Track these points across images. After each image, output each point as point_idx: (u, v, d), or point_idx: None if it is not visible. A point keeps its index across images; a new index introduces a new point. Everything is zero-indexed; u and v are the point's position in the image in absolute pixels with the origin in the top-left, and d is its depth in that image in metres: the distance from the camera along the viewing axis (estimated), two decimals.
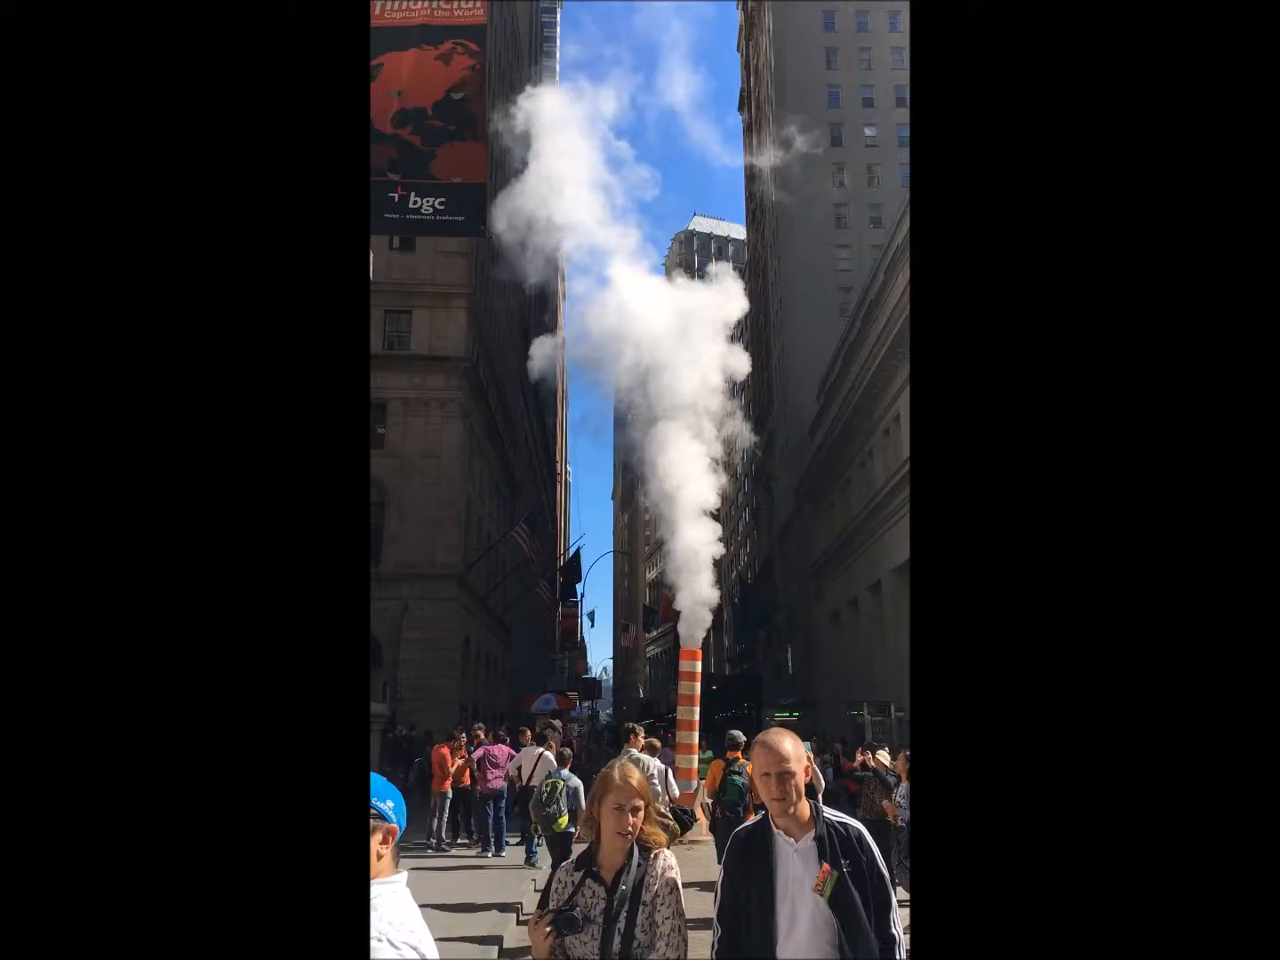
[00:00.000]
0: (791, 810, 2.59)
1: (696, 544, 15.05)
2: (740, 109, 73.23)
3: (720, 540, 16.39)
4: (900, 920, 2.58)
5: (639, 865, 2.66)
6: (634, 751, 8.61)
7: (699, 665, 14.44)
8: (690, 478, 14.85)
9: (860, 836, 2.59)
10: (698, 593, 14.90)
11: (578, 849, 2.98)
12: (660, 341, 14.77)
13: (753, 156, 64.77)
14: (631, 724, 10.29)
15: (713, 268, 16.75)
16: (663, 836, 2.77)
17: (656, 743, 9.68)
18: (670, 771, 9.07)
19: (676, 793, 8.90)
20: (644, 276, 15.85)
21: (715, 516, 16.01)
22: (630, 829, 2.67)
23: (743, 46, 70.75)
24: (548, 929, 2.54)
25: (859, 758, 11.81)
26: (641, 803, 2.69)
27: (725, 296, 15.57)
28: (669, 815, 8.43)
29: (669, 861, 2.72)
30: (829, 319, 44.16)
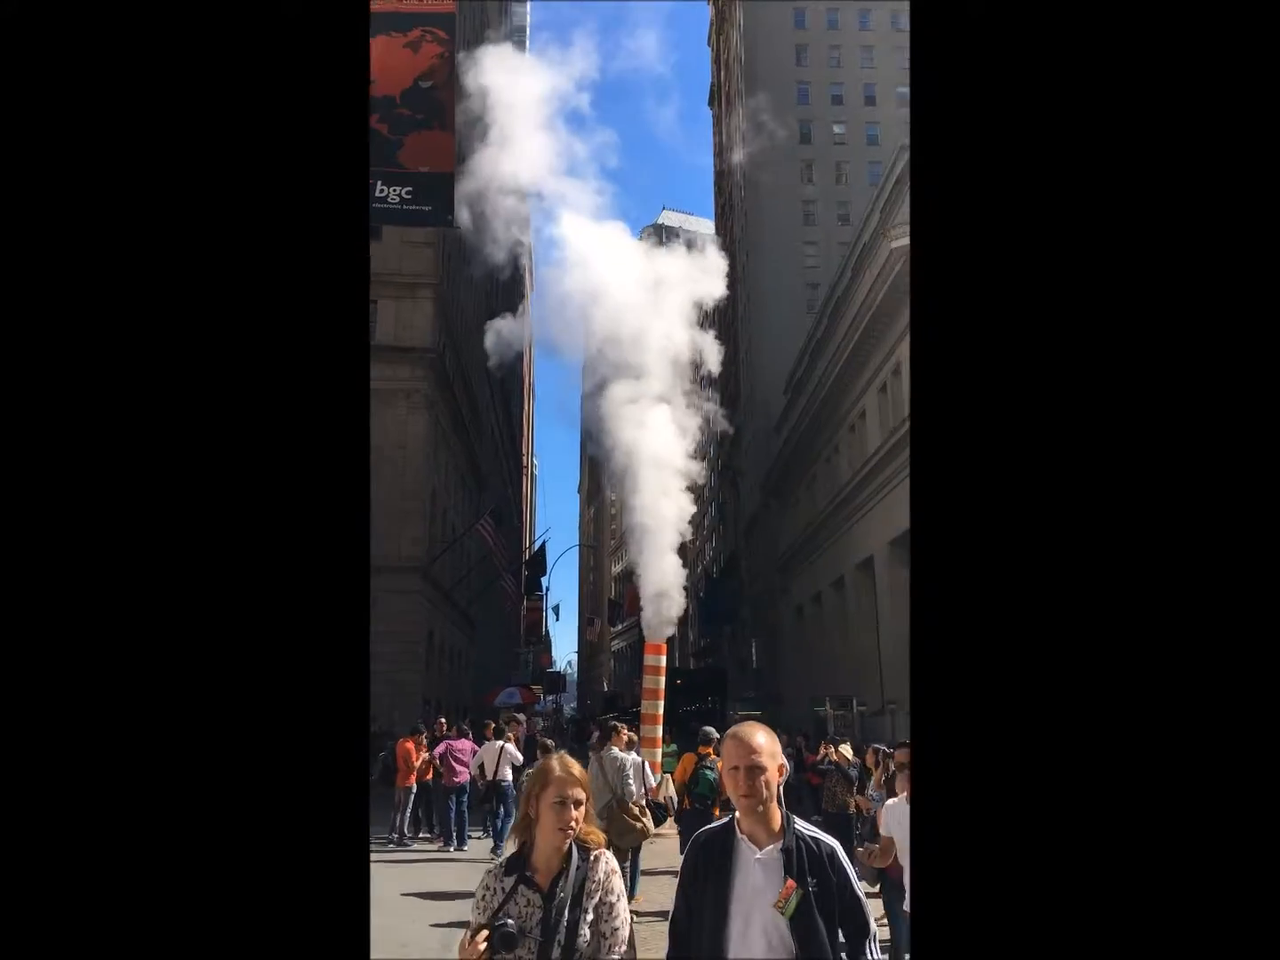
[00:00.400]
0: (760, 810, 2.39)
1: (661, 518, 13.78)
2: (710, 104, 73.32)
3: (691, 522, 15.45)
4: (877, 947, 2.37)
5: (579, 868, 2.41)
6: (615, 750, 8.51)
7: (664, 659, 14.39)
8: (656, 445, 13.68)
9: (833, 855, 2.37)
10: (663, 577, 13.82)
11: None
12: (630, 297, 13.68)
13: (722, 150, 64.88)
14: (615, 722, 10.22)
15: (696, 229, 15.86)
16: (601, 836, 2.54)
17: (634, 737, 9.68)
18: (646, 765, 9.02)
19: (653, 784, 8.86)
20: (615, 236, 14.65)
21: (690, 490, 14.46)
22: (573, 825, 2.40)
23: (713, 41, 70.79)
24: (482, 947, 2.23)
25: (822, 751, 11.94)
26: (584, 795, 2.44)
27: (704, 272, 14.57)
28: (645, 810, 8.41)
29: (611, 865, 2.48)
30: (796, 315, 44.44)
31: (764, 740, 2.44)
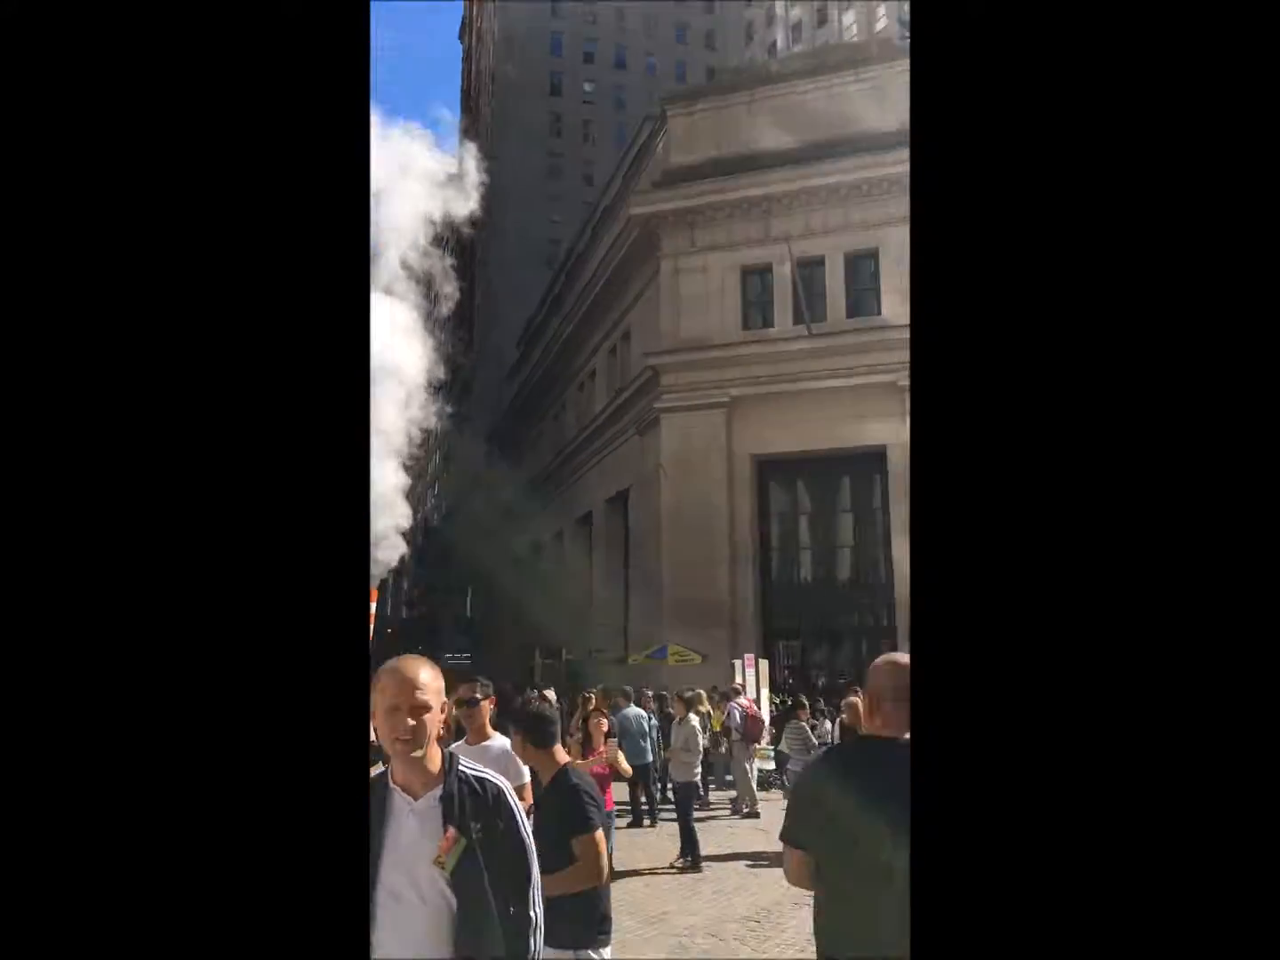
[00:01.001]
0: (418, 755, 2.06)
1: (379, 413, 12.43)
2: (460, 37, 70.70)
3: (416, 461, 14.52)
4: (540, 896, 2.16)
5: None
6: None
7: (374, 606, 14.10)
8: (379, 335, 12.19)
9: (499, 795, 2.12)
10: (380, 479, 12.54)
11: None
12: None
13: (470, 89, 62.86)
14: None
15: (466, 159, 14.67)
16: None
17: None
18: None
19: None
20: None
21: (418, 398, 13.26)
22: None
23: None
24: None
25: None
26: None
27: (460, 188, 13.54)
28: None
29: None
30: (536, 268, 44.38)
31: (428, 676, 2.09)
